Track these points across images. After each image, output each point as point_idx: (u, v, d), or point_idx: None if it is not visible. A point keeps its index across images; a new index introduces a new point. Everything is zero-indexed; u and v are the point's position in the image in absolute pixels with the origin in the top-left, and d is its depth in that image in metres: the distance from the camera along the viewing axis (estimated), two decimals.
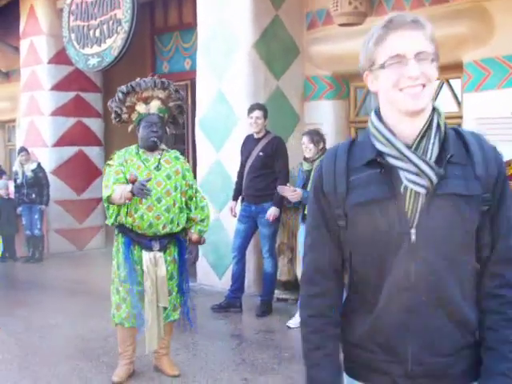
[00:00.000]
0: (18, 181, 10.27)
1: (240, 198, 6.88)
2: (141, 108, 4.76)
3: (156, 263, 4.60)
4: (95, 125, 11.37)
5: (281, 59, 7.88)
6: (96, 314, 6.49)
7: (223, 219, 7.64)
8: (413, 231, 1.68)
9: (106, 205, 4.59)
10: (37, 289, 8.29)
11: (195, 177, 8.34)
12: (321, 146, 6.14)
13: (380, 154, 1.72)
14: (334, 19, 7.35)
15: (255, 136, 6.72)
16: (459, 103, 6.95)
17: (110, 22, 9.34)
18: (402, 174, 1.68)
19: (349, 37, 7.33)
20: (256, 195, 6.63)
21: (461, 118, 6.68)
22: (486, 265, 1.75)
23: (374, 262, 1.74)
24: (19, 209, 10.32)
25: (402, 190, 1.69)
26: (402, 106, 1.69)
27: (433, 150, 1.69)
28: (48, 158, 10.84)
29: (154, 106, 4.76)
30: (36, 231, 10.25)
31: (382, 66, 1.70)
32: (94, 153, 11.34)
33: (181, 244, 4.80)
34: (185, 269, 4.83)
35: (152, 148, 4.71)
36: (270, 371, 5.07)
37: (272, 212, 6.51)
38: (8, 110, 12.95)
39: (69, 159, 11.08)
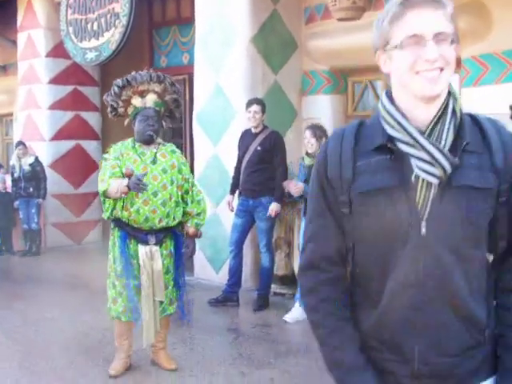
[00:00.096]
0: (16, 175, 10.26)
1: (237, 192, 6.89)
2: (137, 102, 4.75)
3: (152, 257, 4.60)
4: (93, 119, 11.35)
5: (279, 54, 7.87)
6: (93, 307, 6.50)
7: (220, 213, 7.64)
8: (423, 223, 1.58)
9: (102, 199, 4.59)
10: (34, 283, 8.29)
11: (192, 171, 8.36)
12: (323, 140, 6.13)
13: (390, 139, 1.62)
14: (333, 14, 7.34)
15: (253, 130, 6.71)
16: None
17: (108, 16, 9.32)
18: (414, 162, 1.58)
19: (347, 31, 7.33)
20: (253, 189, 6.64)
21: None
22: (503, 258, 1.68)
23: (378, 254, 1.64)
24: (16, 203, 10.32)
25: (412, 179, 1.58)
26: (418, 90, 1.58)
27: (447, 137, 1.59)
28: (45, 151, 10.82)
29: (150, 99, 4.75)
30: (33, 225, 10.25)
31: (398, 47, 1.58)
32: (91, 147, 11.33)
33: (177, 238, 4.80)
34: (181, 263, 4.83)
35: (148, 142, 4.70)
36: (267, 365, 5.08)
37: (274, 208, 6.52)
38: (5, 104, 12.92)
39: (66, 153, 11.06)
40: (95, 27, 9.60)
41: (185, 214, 4.79)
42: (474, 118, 1.67)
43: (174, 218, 4.68)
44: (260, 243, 6.76)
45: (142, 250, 4.59)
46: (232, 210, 6.90)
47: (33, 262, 9.91)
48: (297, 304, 6.17)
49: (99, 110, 11.25)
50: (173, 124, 5.16)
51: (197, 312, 6.56)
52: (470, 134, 1.61)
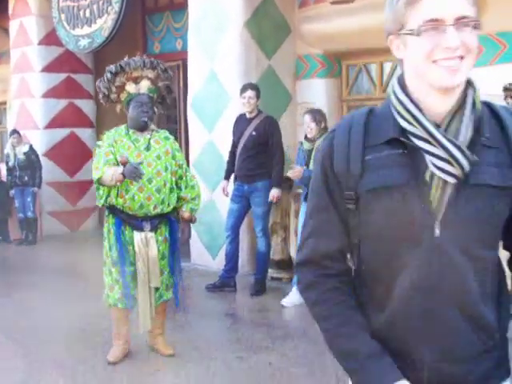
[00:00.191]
0: (10, 163, 10.22)
1: (232, 177, 6.88)
2: (131, 88, 4.74)
3: (147, 244, 4.61)
4: (87, 106, 11.30)
5: (272, 38, 7.84)
6: (90, 295, 6.48)
7: (216, 199, 7.64)
8: (437, 224, 1.47)
9: (96, 186, 4.58)
10: (30, 271, 8.30)
11: (188, 157, 8.35)
12: (322, 125, 6.12)
13: (403, 131, 1.49)
14: None
15: (247, 115, 6.70)
16: None
17: (100, 2, 9.26)
18: (429, 159, 1.46)
19: (340, 15, 7.30)
20: (249, 175, 6.63)
21: None
22: None
23: (386, 254, 1.53)
24: (12, 192, 10.29)
25: (427, 177, 1.47)
26: (436, 80, 1.44)
27: (466, 133, 1.46)
28: (40, 140, 10.78)
29: (144, 85, 4.74)
30: (29, 213, 10.23)
31: (415, 32, 1.43)
32: (85, 135, 11.29)
33: (172, 223, 4.81)
34: (176, 248, 4.84)
35: (142, 128, 4.69)
36: (265, 349, 5.10)
37: (275, 194, 6.53)
38: None
39: (61, 141, 11.02)
40: (87, 14, 9.54)
41: (179, 199, 4.79)
42: (490, 108, 1.55)
43: (168, 204, 4.68)
44: (256, 228, 6.77)
45: (138, 236, 4.59)
46: (227, 196, 6.90)
47: (29, 250, 9.91)
48: (294, 288, 6.19)
49: (93, 97, 11.18)
50: (164, 110, 5.16)
51: (194, 298, 6.58)
52: (489, 128, 1.50)
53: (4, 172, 10.47)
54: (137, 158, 4.55)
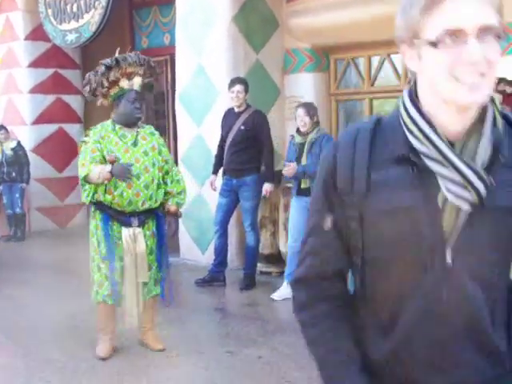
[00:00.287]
0: None
1: (221, 171, 6.88)
2: (124, 83, 4.71)
3: (135, 239, 4.61)
4: (75, 102, 11.24)
5: (260, 32, 7.83)
6: (79, 291, 6.46)
7: (205, 194, 7.64)
8: (448, 251, 1.36)
9: (81, 183, 4.56)
10: (19, 267, 8.25)
11: (176, 152, 8.34)
12: (315, 119, 6.12)
13: (413, 149, 1.36)
14: None
15: (236, 110, 6.70)
16: None
17: None
18: (442, 182, 1.33)
19: (328, 9, 7.30)
20: (237, 169, 6.64)
21: None
22: None
23: (393, 280, 1.43)
24: None
25: (439, 201, 1.35)
26: (456, 98, 1.30)
27: (485, 154, 1.32)
28: (27, 136, 10.71)
29: (137, 82, 4.74)
30: (17, 210, 10.18)
31: (433, 44, 1.28)
32: (74, 130, 11.23)
33: (159, 218, 4.81)
34: (163, 242, 4.84)
35: (133, 124, 4.69)
36: (255, 343, 5.11)
37: (268, 188, 6.56)
38: None
39: (49, 137, 10.96)
40: (75, 9, 9.49)
41: (165, 193, 4.79)
42: (507, 119, 1.41)
43: (156, 200, 4.69)
44: (245, 223, 6.78)
45: (126, 232, 4.60)
46: (215, 190, 6.90)
47: (18, 247, 9.87)
48: (285, 282, 6.20)
49: (81, 92, 11.12)
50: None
51: (184, 292, 6.59)
52: (508, 143, 1.36)
53: None
54: (124, 153, 4.54)
